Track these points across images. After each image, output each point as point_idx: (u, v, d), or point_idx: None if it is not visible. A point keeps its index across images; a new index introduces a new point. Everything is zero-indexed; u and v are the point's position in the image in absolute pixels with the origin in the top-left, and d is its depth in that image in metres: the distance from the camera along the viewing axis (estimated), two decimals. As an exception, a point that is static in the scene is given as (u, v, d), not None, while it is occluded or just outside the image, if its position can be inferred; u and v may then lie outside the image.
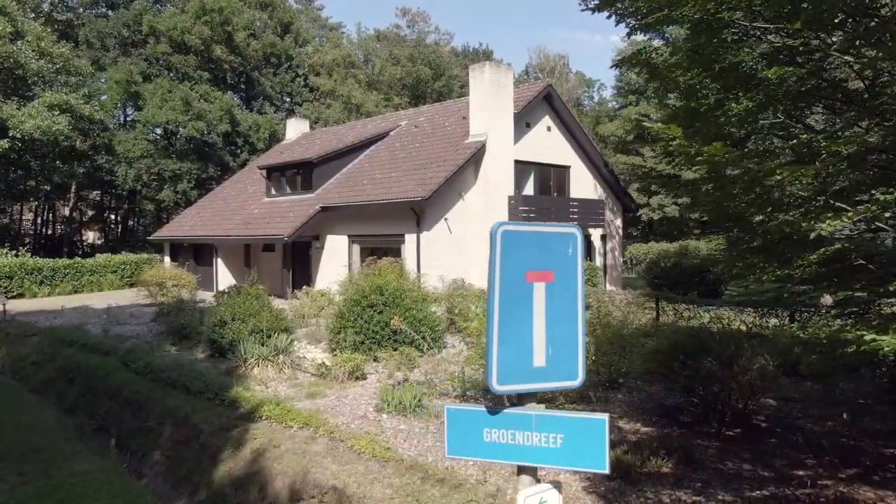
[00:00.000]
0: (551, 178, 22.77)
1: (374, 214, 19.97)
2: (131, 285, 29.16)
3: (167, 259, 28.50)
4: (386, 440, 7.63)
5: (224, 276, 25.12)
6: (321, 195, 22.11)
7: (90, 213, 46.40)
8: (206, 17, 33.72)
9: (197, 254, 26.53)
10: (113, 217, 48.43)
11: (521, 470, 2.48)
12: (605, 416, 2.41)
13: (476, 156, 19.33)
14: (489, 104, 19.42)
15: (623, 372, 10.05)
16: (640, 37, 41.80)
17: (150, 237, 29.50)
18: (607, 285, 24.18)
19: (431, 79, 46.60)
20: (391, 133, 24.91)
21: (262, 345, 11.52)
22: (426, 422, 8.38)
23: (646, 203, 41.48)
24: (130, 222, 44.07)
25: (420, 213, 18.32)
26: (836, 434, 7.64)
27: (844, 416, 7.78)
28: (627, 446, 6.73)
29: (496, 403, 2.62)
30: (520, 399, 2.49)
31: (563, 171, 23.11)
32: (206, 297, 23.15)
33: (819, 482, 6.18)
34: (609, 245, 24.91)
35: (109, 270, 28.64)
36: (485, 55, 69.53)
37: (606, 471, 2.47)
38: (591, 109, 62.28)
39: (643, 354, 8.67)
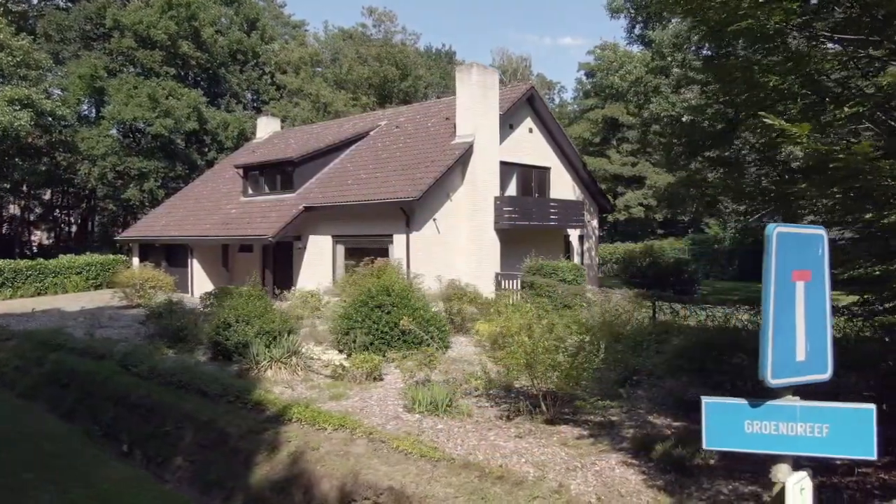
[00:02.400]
0: (533, 179, 23.06)
1: (361, 214, 19.86)
2: (96, 287, 28.22)
3: (136, 260, 27.60)
4: (430, 440, 7.66)
5: (200, 278, 24.56)
6: (303, 195, 21.85)
7: (38, 211, 44.46)
8: (172, 12, 32.84)
9: (170, 255, 25.82)
10: (65, 217, 46.61)
11: (782, 459, 2.59)
12: (873, 406, 2.54)
13: (463, 157, 19.44)
14: (476, 106, 19.56)
15: (636, 369, 10.32)
16: (599, 40, 42.55)
17: (118, 237, 28.59)
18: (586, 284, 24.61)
19: (398, 79, 46.47)
20: (371, 133, 24.79)
21: (270, 347, 11.37)
22: (461, 421, 8.43)
23: (612, 204, 42.37)
24: (88, 222, 42.51)
25: (410, 214, 18.31)
26: (856, 425, 8.02)
27: (884, 407, 8.17)
28: (674, 440, 6.92)
29: (761, 396, 2.72)
30: (775, 392, 2.61)
31: (544, 172, 23.44)
32: (183, 298, 22.53)
33: (858, 470, 6.50)
34: (586, 245, 25.38)
35: (74, 272, 27.61)
36: (447, 56, 69.80)
37: (874, 457, 2.60)
38: (551, 111, 63.00)
39: (670, 351, 8.92)
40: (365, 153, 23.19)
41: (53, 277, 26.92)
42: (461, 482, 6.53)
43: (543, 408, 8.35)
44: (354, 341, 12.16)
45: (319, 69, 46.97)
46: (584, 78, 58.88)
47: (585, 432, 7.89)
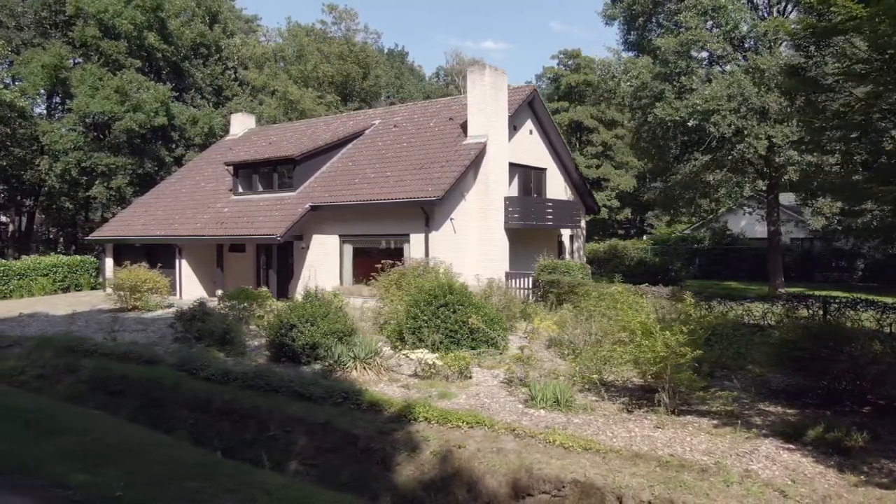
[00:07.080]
0: (531, 180, 23.51)
1: (373, 213, 19.69)
2: (64, 290, 26.70)
3: (109, 261, 26.22)
4: (577, 434, 7.83)
5: (189, 279, 23.69)
6: (305, 193, 21.43)
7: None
8: (137, 1, 31.31)
9: (151, 255, 24.61)
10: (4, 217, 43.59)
11: None
12: None
13: (477, 157, 19.62)
14: (488, 107, 19.79)
15: (718, 363, 10.85)
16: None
17: (90, 237, 27.02)
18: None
19: (361, 78, 46.07)
20: (367, 132, 24.57)
21: (349, 347, 11.23)
22: (588, 415, 8.65)
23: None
24: (32, 222, 39.88)
25: (430, 213, 18.34)
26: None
27: None
28: (825, 425, 7.38)
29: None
30: None
31: (541, 173, 23.93)
32: (174, 300, 21.65)
33: None
34: (576, 244, 26.07)
35: (40, 274, 26.02)
36: (399, 56, 69.73)
37: None
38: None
39: (774, 345, 9.46)
40: (365, 152, 22.97)
41: (19, 280, 25.29)
42: (644, 472, 6.75)
43: (666, 400, 8.67)
44: (421, 340, 12.18)
45: (282, 65, 45.91)
46: (534, 80, 60.13)
47: (716, 421, 8.26)
